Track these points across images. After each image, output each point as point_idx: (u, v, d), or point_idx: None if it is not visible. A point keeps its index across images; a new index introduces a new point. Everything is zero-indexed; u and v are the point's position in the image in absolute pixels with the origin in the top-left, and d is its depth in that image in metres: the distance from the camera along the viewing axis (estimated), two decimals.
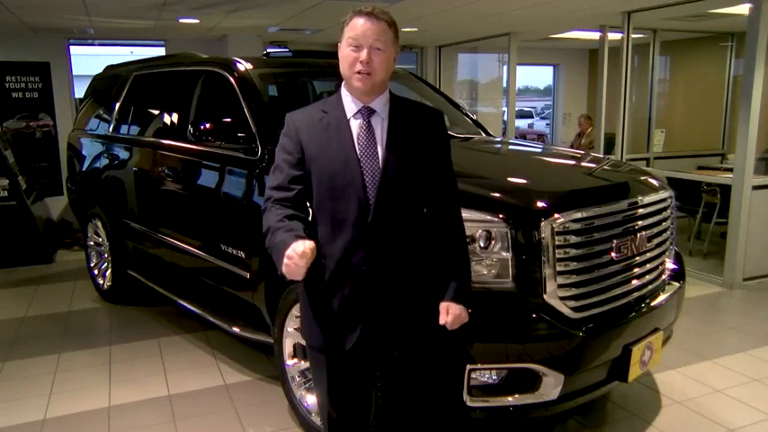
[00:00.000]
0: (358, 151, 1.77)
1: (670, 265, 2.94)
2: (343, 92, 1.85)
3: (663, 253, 2.82)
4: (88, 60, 9.49)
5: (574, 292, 2.37)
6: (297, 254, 1.58)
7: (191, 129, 3.53)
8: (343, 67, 1.78)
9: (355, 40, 1.74)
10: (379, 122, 1.81)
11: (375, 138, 1.79)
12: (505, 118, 8.88)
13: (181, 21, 6.46)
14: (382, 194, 1.75)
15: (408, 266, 1.82)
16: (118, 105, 4.61)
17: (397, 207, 1.78)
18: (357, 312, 1.79)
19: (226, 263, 3.23)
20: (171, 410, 3.10)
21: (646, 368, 2.65)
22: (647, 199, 2.70)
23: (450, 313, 1.82)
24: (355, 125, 1.80)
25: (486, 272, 2.31)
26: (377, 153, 1.77)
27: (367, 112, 1.80)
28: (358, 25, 1.74)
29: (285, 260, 1.60)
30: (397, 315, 1.81)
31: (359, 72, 1.74)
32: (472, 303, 2.27)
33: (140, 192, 4.13)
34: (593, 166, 3.18)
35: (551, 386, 2.33)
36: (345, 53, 1.76)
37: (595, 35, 7.67)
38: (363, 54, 1.73)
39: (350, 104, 1.82)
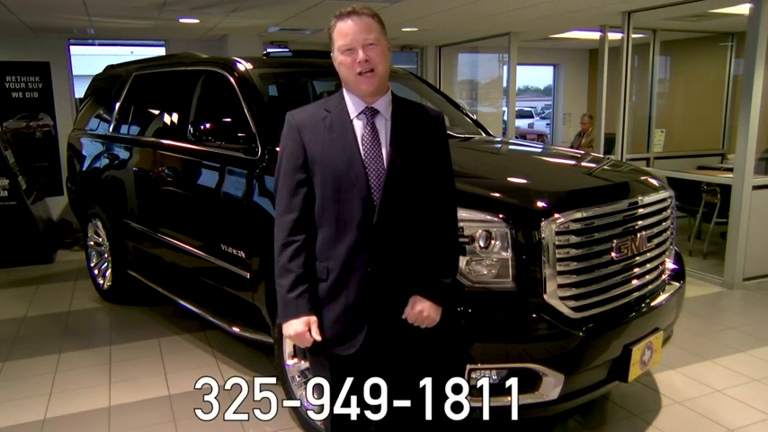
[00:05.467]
0: (362, 152, 1.75)
1: (670, 265, 2.94)
2: (345, 92, 1.83)
3: (663, 253, 2.82)
4: (88, 60, 9.49)
5: (574, 291, 2.37)
6: (298, 337, 1.78)
7: (191, 129, 3.53)
8: (344, 73, 1.77)
9: (347, 45, 1.73)
10: (383, 123, 1.80)
11: (379, 138, 1.77)
12: (505, 118, 8.87)
13: (181, 21, 6.46)
14: (387, 195, 1.73)
15: (412, 267, 1.81)
16: (118, 105, 4.61)
17: (402, 208, 1.77)
18: (362, 315, 1.78)
19: (226, 263, 3.23)
20: (171, 410, 3.10)
21: (646, 368, 2.65)
22: (647, 199, 2.70)
23: (414, 307, 1.79)
24: (359, 125, 1.79)
25: (486, 272, 2.31)
26: (381, 154, 1.76)
27: (370, 113, 1.79)
28: (344, 29, 1.73)
29: (291, 332, 1.79)
30: (401, 316, 1.81)
31: (361, 73, 1.72)
32: (472, 303, 2.30)
33: (140, 192, 4.13)
34: (594, 165, 3.18)
35: (551, 386, 2.33)
36: (341, 60, 1.76)
37: (595, 35, 7.67)
38: (360, 54, 1.71)
39: (352, 104, 1.80)
